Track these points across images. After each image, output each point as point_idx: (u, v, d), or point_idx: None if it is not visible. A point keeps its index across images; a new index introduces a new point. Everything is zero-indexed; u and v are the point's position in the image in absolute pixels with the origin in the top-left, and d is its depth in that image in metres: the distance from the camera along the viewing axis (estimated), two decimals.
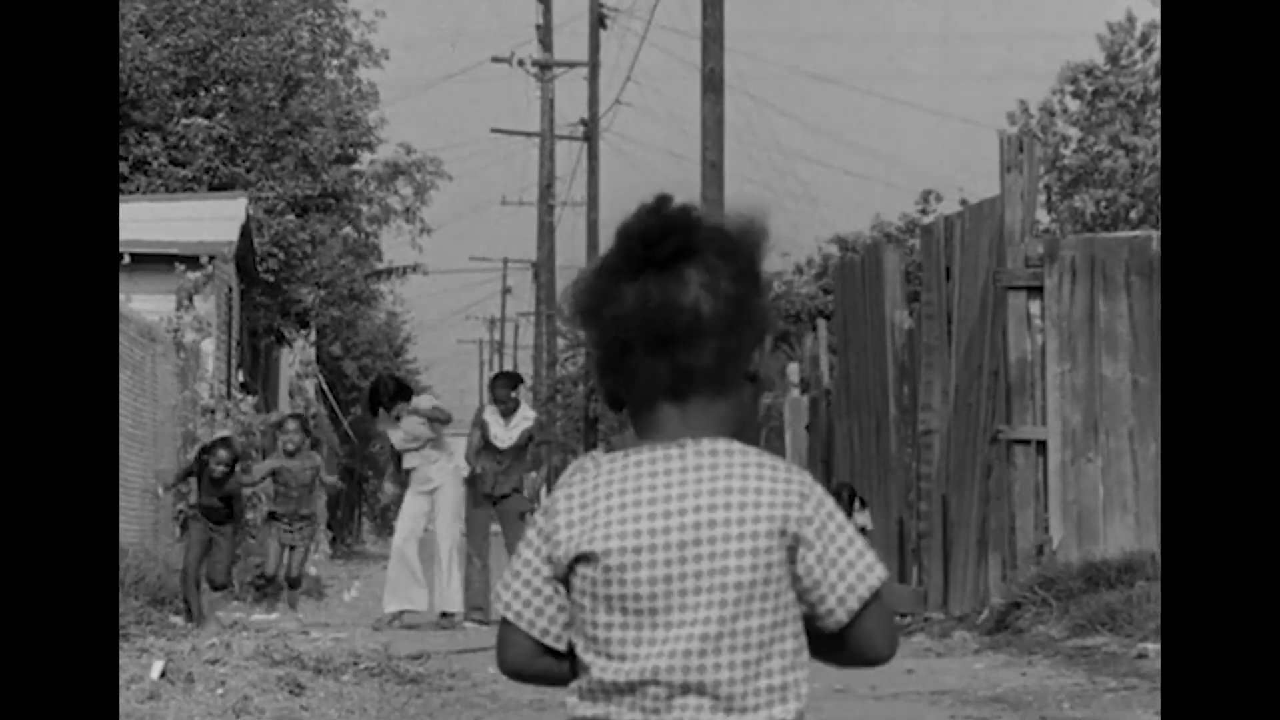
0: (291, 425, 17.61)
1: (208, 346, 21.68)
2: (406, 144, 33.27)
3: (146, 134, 26.19)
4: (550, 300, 46.08)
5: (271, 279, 26.50)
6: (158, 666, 9.90)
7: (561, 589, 2.71)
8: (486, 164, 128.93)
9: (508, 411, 16.37)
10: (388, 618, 15.62)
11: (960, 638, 13.62)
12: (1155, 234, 14.35)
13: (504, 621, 2.76)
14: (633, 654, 2.66)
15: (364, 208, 32.28)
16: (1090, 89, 29.52)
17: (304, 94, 28.01)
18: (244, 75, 26.99)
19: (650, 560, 2.66)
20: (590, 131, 42.30)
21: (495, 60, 47.29)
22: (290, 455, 17.03)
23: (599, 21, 40.82)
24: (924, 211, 31.16)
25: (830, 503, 2.71)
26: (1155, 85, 27.70)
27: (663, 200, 2.73)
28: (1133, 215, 27.91)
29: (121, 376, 15.59)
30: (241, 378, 24.54)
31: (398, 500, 16.46)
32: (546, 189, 47.68)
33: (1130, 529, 13.85)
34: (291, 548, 17.22)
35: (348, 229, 31.39)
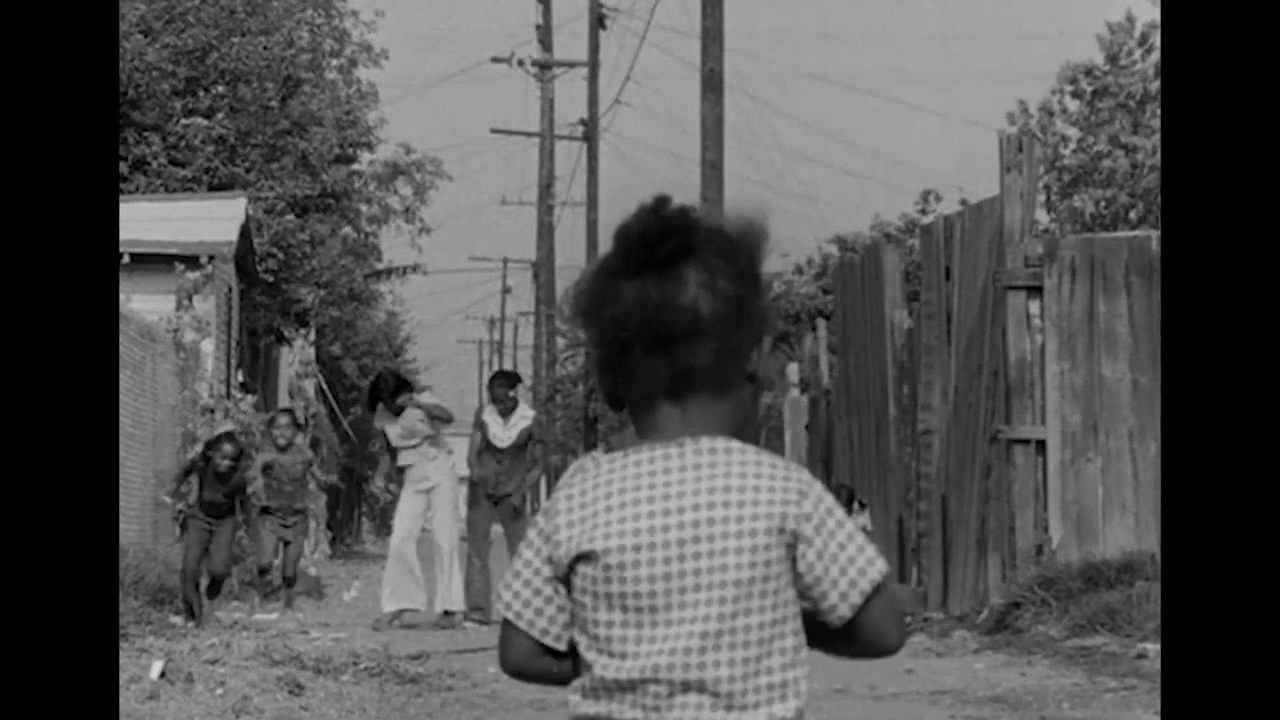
0: (283, 420, 17.66)
1: (207, 346, 21.69)
2: (406, 144, 33.30)
3: (146, 134, 26.19)
4: (550, 300, 46.09)
5: (271, 279, 26.49)
6: (157, 666, 9.90)
7: (562, 589, 2.72)
8: (486, 164, 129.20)
9: (506, 411, 16.35)
10: (387, 617, 15.62)
11: (960, 638, 13.61)
12: (1155, 234, 14.35)
13: (505, 622, 2.77)
14: (633, 652, 2.67)
15: (364, 208, 32.27)
16: (1090, 89, 29.52)
17: (303, 94, 27.99)
18: (243, 75, 26.98)
19: (650, 558, 2.66)
20: (590, 131, 42.31)
21: (495, 60, 47.33)
22: (282, 450, 17.04)
23: (599, 21, 40.82)
24: (924, 211, 31.15)
25: (829, 499, 2.71)
26: (1155, 85, 27.69)
27: (662, 201, 2.74)
28: (1132, 215, 27.91)
29: (121, 376, 15.60)
30: (241, 377, 24.54)
31: (394, 494, 16.46)
32: (546, 189, 47.70)
33: (1130, 529, 13.85)
34: (286, 543, 17.24)
35: (347, 229, 31.38)
